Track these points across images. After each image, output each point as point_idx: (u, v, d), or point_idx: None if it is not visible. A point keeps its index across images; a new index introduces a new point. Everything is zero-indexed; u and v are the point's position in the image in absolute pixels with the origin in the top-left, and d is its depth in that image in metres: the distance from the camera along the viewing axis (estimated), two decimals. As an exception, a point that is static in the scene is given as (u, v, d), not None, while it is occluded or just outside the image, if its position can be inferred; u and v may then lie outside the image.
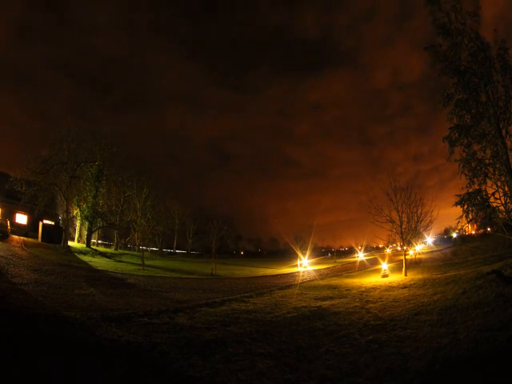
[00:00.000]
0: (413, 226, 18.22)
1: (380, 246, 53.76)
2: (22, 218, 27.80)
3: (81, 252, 24.03)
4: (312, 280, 18.09)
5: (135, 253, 32.35)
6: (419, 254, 32.51)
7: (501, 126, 12.58)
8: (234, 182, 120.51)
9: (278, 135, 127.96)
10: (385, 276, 17.01)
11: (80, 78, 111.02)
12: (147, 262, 22.78)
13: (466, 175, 13.25)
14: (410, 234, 18.59)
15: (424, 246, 38.65)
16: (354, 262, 33.03)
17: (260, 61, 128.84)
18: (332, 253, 61.08)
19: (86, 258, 21.58)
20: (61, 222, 30.46)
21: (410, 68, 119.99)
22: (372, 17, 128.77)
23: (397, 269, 20.08)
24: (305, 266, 28.81)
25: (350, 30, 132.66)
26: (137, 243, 31.44)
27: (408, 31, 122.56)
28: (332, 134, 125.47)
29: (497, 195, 12.69)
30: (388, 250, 42.53)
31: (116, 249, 34.26)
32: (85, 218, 29.71)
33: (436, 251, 33.01)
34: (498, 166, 12.57)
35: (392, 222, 18.17)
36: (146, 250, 32.75)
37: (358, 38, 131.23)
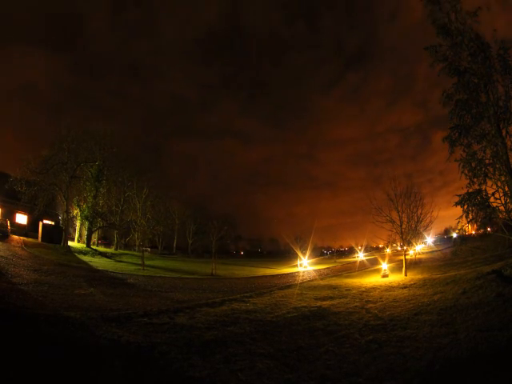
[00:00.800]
0: (413, 226, 18.24)
1: (380, 246, 53.91)
2: (22, 218, 27.82)
3: (81, 252, 24.02)
4: (312, 280, 18.09)
5: (135, 253, 32.32)
6: (419, 254, 32.54)
7: (501, 126, 12.55)
8: (252, 190, 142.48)
9: (305, 160, 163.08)
10: (385, 276, 17.01)
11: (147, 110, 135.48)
12: (147, 262, 22.77)
13: (466, 175, 13.23)
14: (410, 234, 18.59)
15: (424, 246, 38.70)
16: (354, 262, 33.06)
17: (297, 113, 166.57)
18: (332, 253, 61.05)
19: (85, 258, 21.57)
20: (61, 221, 30.50)
21: (407, 119, 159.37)
22: (374, 96, 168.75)
23: (397, 269, 20.08)
24: (305, 266, 28.83)
25: (355, 104, 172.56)
26: (137, 243, 31.43)
27: (408, 95, 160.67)
28: (345, 160, 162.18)
29: (497, 195, 12.65)
30: (388, 250, 42.53)
31: (116, 249, 34.25)
32: (85, 217, 29.73)
33: (436, 251, 33.05)
34: (497, 166, 12.53)
35: (392, 222, 18.19)
36: (146, 250, 32.72)
37: (362, 107, 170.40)
